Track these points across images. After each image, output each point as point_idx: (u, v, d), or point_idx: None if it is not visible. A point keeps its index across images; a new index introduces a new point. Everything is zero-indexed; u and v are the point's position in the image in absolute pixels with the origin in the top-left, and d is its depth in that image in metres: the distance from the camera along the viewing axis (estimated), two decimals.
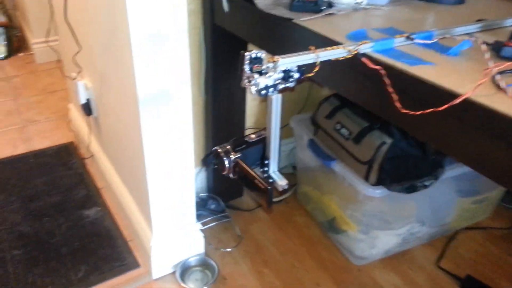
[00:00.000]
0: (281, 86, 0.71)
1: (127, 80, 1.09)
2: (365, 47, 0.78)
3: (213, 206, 1.60)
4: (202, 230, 1.50)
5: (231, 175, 0.76)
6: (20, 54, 2.92)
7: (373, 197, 1.25)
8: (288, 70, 0.71)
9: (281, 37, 1.01)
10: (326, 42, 0.87)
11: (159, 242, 1.31)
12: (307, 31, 0.92)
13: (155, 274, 1.36)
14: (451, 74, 0.71)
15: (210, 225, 1.56)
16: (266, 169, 0.79)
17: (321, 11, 1.01)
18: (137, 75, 1.02)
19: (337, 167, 1.32)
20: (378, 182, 1.22)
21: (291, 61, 0.71)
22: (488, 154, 0.63)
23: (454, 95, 0.65)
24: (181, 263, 1.36)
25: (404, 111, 0.72)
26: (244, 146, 0.74)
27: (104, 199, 1.69)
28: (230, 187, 1.67)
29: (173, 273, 1.37)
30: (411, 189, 1.24)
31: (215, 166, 0.76)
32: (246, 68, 0.69)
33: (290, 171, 1.80)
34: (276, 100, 0.70)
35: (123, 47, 1.04)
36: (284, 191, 0.75)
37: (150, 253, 1.32)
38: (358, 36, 0.86)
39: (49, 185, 1.75)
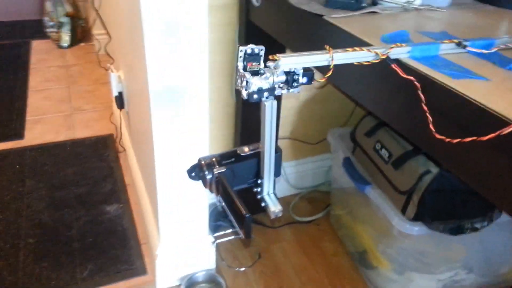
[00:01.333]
0: (279, 91, 0.57)
1: (142, 74, 1.00)
2: (399, 52, 0.62)
3: None
4: (218, 243, 1.38)
5: (213, 193, 0.63)
6: (82, 44, 3.01)
7: (410, 235, 1.05)
8: (293, 72, 0.57)
9: (311, 35, 0.87)
10: (356, 43, 0.71)
11: (166, 251, 1.21)
12: (337, 29, 0.77)
13: (160, 285, 1.26)
14: (507, 94, 0.53)
15: (227, 238, 1.44)
16: (260, 189, 0.65)
17: (361, 8, 0.85)
18: (149, 69, 0.93)
19: (372, 193, 1.14)
20: (417, 218, 1.03)
21: (295, 62, 0.56)
22: None
23: (505, 123, 0.47)
24: (188, 277, 1.25)
25: (439, 137, 0.55)
26: (232, 160, 0.61)
27: (128, 196, 1.63)
28: (257, 199, 1.54)
29: (179, 286, 1.27)
30: (457, 231, 1.03)
31: (199, 180, 0.64)
32: (240, 65, 0.56)
33: (328, 189, 1.63)
34: (270, 107, 0.56)
35: (139, 38, 0.95)
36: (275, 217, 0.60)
37: (156, 261, 1.22)
38: (397, 39, 0.69)
39: (78, 176, 1.73)
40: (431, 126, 0.56)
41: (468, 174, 0.54)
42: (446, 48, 0.65)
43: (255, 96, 0.55)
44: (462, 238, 1.06)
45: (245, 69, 0.56)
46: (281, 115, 1.45)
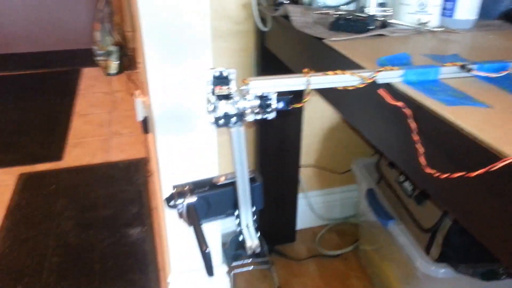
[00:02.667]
0: (252, 116, 0.53)
1: (149, 97, 1.00)
2: (389, 75, 0.56)
3: None
4: (236, 274, 1.33)
5: (186, 223, 0.59)
6: (128, 72, 3.14)
7: (435, 278, 0.95)
8: (266, 97, 0.53)
9: (313, 60, 0.82)
10: (352, 67, 0.66)
11: (177, 280, 1.18)
12: (335, 53, 0.72)
13: None
14: (506, 124, 0.45)
15: (246, 268, 1.38)
16: (238, 221, 0.60)
17: (367, 31, 0.79)
18: (151, 91, 0.93)
19: (395, 229, 1.05)
20: (442, 259, 0.92)
21: (267, 85, 0.52)
22: None
23: (496, 157, 0.40)
24: None
25: (428, 171, 0.48)
26: (206, 188, 0.57)
27: (152, 220, 1.63)
28: (281, 228, 1.48)
29: None
30: (489, 276, 0.91)
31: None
32: (209, 89, 0.53)
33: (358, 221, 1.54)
34: (237, 134, 0.52)
35: (144, 60, 0.96)
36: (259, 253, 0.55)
37: None
38: (395, 62, 0.63)
39: (108, 198, 1.76)
40: (420, 158, 0.50)
41: (461, 214, 0.47)
42: (447, 72, 0.58)
43: (221, 121, 0.51)
44: (497, 285, 0.94)
45: (213, 92, 0.53)
46: (305, 142, 1.40)
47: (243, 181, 0.54)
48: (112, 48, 3.02)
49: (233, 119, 0.52)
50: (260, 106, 0.54)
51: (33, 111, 2.54)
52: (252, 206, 0.58)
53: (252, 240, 0.57)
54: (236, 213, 0.59)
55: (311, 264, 1.43)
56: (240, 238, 0.61)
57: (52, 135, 2.26)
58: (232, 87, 0.53)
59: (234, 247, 1.41)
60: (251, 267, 1.39)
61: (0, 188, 1.82)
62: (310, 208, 1.52)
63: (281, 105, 0.54)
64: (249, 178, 0.57)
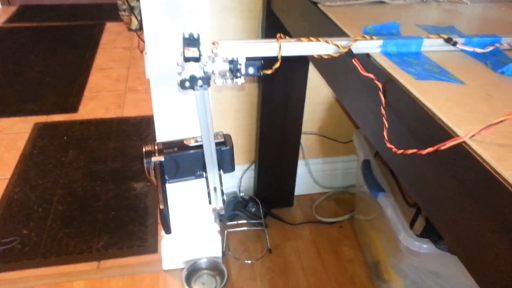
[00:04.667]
0: (221, 81, 0.53)
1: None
2: (367, 45, 0.54)
3: (253, 210, 1.45)
4: (229, 233, 1.37)
5: (153, 181, 0.60)
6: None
7: (417, 252, 0.95)
8: (236, 61, 0.52)
9: (309, 24, 0.80)
10: (339, 34, 0.64)
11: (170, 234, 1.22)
12: (326, 18, 0.69)
13: (165, 265, 1.28)
14: (476, 103, 0.44)
15: (241, 228, 1.41)
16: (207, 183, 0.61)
17: None
18: (146, 44, 0.93)
19: (383, 201, 1.04)
20: (425, 234, 0.92)
21: (237, 50, 0.52)
22: (483, 246, 0.36)
23: (449, 136, 0.39)
24: (191, 262, 1.25)
25: (389, 145, 0.47)
26: (175, 149, 0.58)
27: None
28: (280, 193, 1.49)
29: (183, 269, 1.27)
30: None
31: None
32: (180, 50, 0.52)
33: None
34: (202, 97, 0.52)
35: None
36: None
37: (161, 242, 1.24)
38: (382, 31, 0.61)
39: (117, 152, 1.81)
40: (384, 133, 0.49)
41: (415, 190, 0.46)
42: (432, 45, 0.55)
43: (187, 83, 0.51)
44: None
45: (182, 54, 0.52)
46: (309, 109, 1.38)
47: (209, 144, 0.55)
48: (135, 3, 2.99)
49: (199, 82, 0.51)
50: (230, 70, 0.53)
51: (56, 63, 2.58)
52: (220, 169, 0.58)
53: (217, 202, 0.58)
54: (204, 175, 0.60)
55: (306, 229, 1.45)
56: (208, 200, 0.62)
57: (70, 87, 2.31)
58: (202, 49, 0.52)
59: (231, 208, 1.44)
60: (245, 228, 1.42)
61: (16, 135, 1.89)
62: (310, 175, 1.53)
63: (251, 70, 0.53)
64: (218, 142, 0.58)
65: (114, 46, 2.89)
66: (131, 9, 3.07)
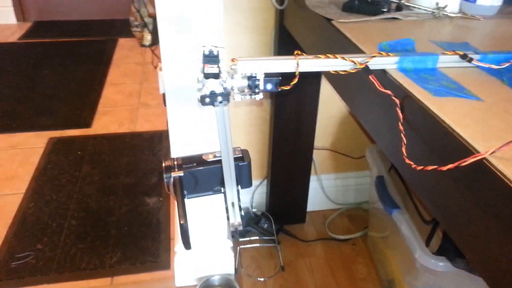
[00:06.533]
0: (239, 97, 0.54)
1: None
2: (384, 62, 0.55)
3: (266, 226, 1.44)
4: (242, 250, 1.36)
5: (172, 196, 0.61)
6: (156, 45, 3.18)
7: (434, 270, 0.93)
8: (254, 77, 0.53)
9: (323, 41, 0.81)
10: (354, 51, 0.65)
11: (183, 249, 1.22)
12: (341, 35, 0.70)
13: (178, 282, 1.27)
14: (493, 119, 0.44)
15: (254, 245, 1.41)
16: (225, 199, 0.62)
17: (379, 13, 0.77)
18: (163, 61, 0.95)
19: (399, 218, 1.03)
20: (441, 252, 0.91)
21: (255, 66, 0.52)
22: (506, 264, 0.36)
23: (470, 153, 0.39)
24: (204, 279, 1.24)
25: (408, 161, 0.47)
26: (194, 164, 0.58)
27: None
28: (292, 208, 1.49)
29: (195, 286, 1.27)
30: None
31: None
32: (200, 66, 0.53)
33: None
34: (222, 113, 0.52)
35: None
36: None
37: (174, 258, 1.23)
38: (398, 47, 0.61)
39: (130, 166, 1.82)
40: (403, 149, 0.49)
41: (435, 207, 0.46)
42: (447, 61, 0.56)
43: (207, 100, 0.52)
44: None
45: (202, 70, 0.53)
46: (321, 124, 1.39)
47: (227, 160, 0.55)
48: (147, 19, 3.06)
49: (219, 98, 0.52)
50: (248, 86, 0.54)
51: (70, 78, 2.63)
52: (238, 185, 0.59)
53: (235, 217, 0.58)
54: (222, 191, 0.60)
55: (319, 246, 1.44)
56: (227, 215, 0.62)
57: (84, 102, 2.34)
58: (221, 66, 0.53)
59: (244, 224, 1.44)
60: (257, 244, 1.41)
61: (30, 150, 1.91)
62: (323, 191, 1.52)
63: (269, 86, 0.54)
64: (236, 157, 0.58)
65: (126, 61, 2.94)
66: (144, 25, 3.13)
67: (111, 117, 2.22)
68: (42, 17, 3.65)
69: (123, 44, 3.23)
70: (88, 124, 2.12)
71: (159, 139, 2.03)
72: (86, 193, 1.66)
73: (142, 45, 3.18)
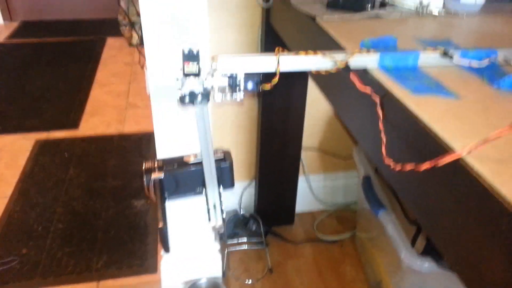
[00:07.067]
0: (220, 96, 0.53)
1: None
2: (365, 60, 0.54)
3: (254, 228, 1.43)
4: (230, 252, 1.35)
5: (152, 198, 0.60)
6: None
7: (420, 271, 0.93)
8: (234, 76, 0.52)
9: (307, 39, 0.80)
10: (337, 48, 0.64)
11: (170, 252, 1.21)
12: (324, 33, 0.70)
13: (165, 285, 1.26)
14: (472, 116, 0.43)
15: (241, 247, 1.40)
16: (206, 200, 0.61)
17: (363, 10, 0.77)
18: (147, 60, 0.94)
19: (385, 219, 1.03)
20: (426, 252, 0.90)
21: (235, 65, 0.52)
22: (482, 263, 0.35)
23: (447, 151, 0.38)
24: (191, 282, 1.23)
25: (387, 161, 0.47)
26: (175, 166, 0.57)
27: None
28: (280, 209, 1.48)
29: None
30: None
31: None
32: (180, 66, 0.53)
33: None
34: (201, 112, 0.51)
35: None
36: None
37: (160, 262, 1.22)
38: (380, 45, 0.61)
39: (118, 168, 1.80)
40: (383, 148, 0.48)
41: (415, 207, 0.45)
42: (429, 59, 0.55)
43: (187, 99, 0.51)
44: None
45: (182, 69, 0.52)
46: (309, 123, 1.38)
47: (208, 161, 0.54)
48: (135, 18, 3.03)
49: (199, 97, 0.51)
50: (229, 85, 0.53)
51: (57, 78, 2.60)
52: (220, 186, 0.58)
53: (216, 219, 0.57)
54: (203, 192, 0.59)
55: (307, 248, 1.43)
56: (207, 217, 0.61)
57: (72, 103, 2.32)
58: (201, 65, 0.52)
59: (231, 226, 1.42)
60: (245, 247, 1.40)
61: (17, 153, 1.89)
62: (311, 191, 1.51)
63: (250, 85, 0.53)
64: (217, 159, 0.57)
65: (115, 61, 2.92)
66: (132, 25, 3.10)
67: (99, 118, 2.20)
68: (29, 17, 3.62)
69: (112, 44, 3.20)
70: (75, 125, 2.10)
71: (147, 141, 2.02)
72: (73, 196, 1.63)
73: (131, 45, 3.15)
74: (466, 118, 0.43)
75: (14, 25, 3.51)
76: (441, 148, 0.39)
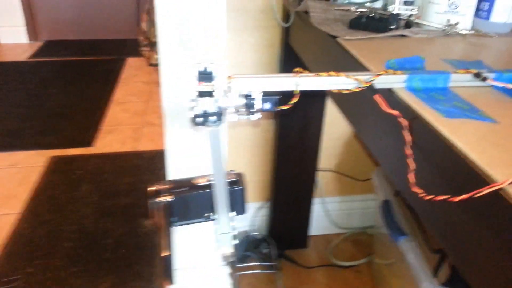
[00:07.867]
0: (235, 116, 0.50)
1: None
2: (391, 80, 0.51)
3: (265, 251, 1.39)
4: (240, 276, 1.31)
5: (156, 223, 0.56)
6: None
7: None
8: (251, 96, 0.49)
9: (329, 59, 0.78)
10: (359, 68, 0.61)
11: (179, 276, 1.17)
12: (346, 52, 0.67)
13: None
14: (506, 143, 0.39)
15: (253, 271, 1.35)
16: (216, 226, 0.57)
17: (387, 30, 0.74)
18: (162, 80, 0.92)
19: (405, 246, 0.98)
20: (450, 284, 0.85)
21: (251, 84, 0.49)
22: None
23: (485, 182, 0.34)
24: None
25: (414, 189, 0.43)
26: (185, 189, 0.54)
27: None
28: (294, 232, 1.43)
29: None
30: None
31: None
32: (195, 85, 0.50)
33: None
34: (214, 134, 0.49)
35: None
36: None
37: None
38: (406, 65, 0.58)
39: (130, 186, 1.78)
40: (409, 175, 0.44)
41: (443, 238, 0.41)
42: (459, 80, 0.52)
43: (199, 119, 0.48)
44: None
45: (196, 88, 0.50)
46: (326, 145, 1.34)
47: (220, 184, 0.51)
48: (156, 39, 3.07)
49: (212, 118, 0.48)
50: (245, 105, 0.50)
51: (76, 96, 2.62)
52: (232, 211, 0.54)
53: (227, 247, 0.54)
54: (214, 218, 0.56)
55: (321, 273, 1.38)
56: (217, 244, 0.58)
57: (89, 120, 2.32)
58: (216, 84, 0.50)
59: (242, 249, 1.38)
60: (257, 271, 1.35)
61: (30, 169, 1.88)
62: (327, 214, 1.47)
63: (267, 106, 0.50)
64: (229, 181, 0.54)
65: (134, 80, 2.94)
66: (152, 45, 3.13)
67: (115, 135, 2.19)
68: (53, 36, 3.69)
69: (132, 64, 3.23)
70: (91, 143, 2.09)
71: (160, 159, 2.00)
72: (84, 214, 1.61)
73: (150, 64, 3.18)
74: (505, 144, 0.39)
75: (38, 44, 3.58)
76: (478, 177, 0.36)
